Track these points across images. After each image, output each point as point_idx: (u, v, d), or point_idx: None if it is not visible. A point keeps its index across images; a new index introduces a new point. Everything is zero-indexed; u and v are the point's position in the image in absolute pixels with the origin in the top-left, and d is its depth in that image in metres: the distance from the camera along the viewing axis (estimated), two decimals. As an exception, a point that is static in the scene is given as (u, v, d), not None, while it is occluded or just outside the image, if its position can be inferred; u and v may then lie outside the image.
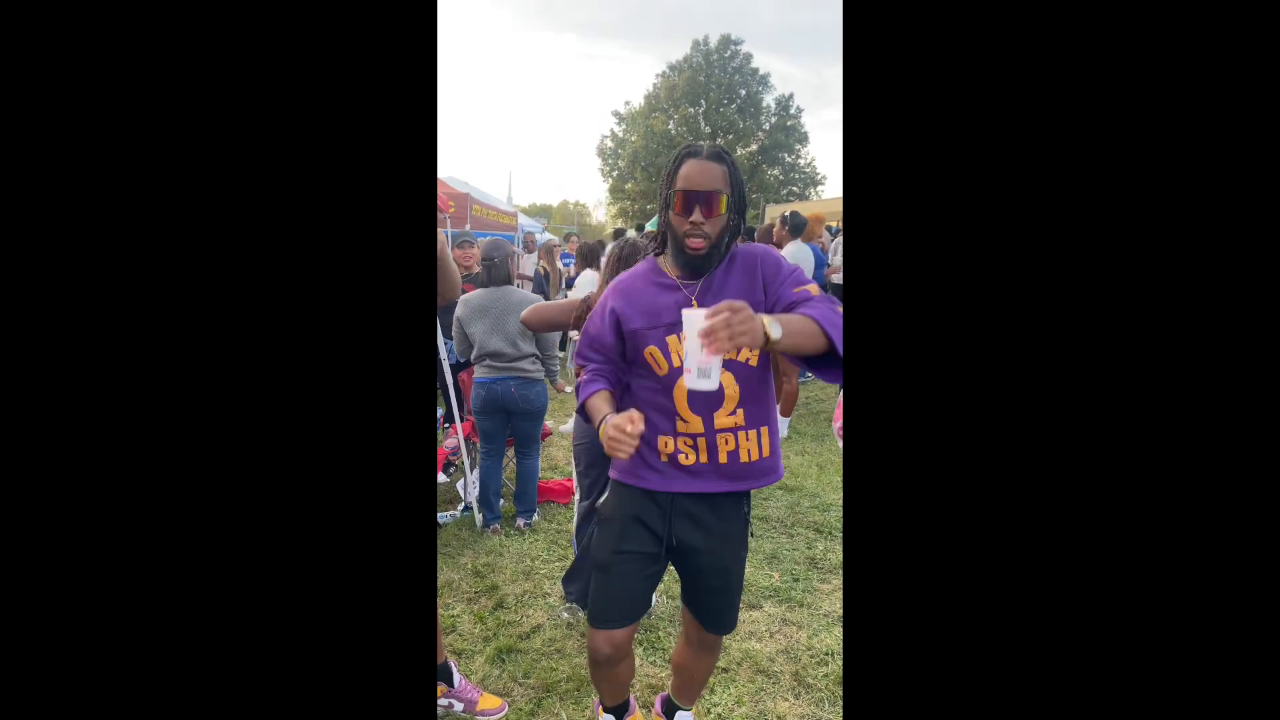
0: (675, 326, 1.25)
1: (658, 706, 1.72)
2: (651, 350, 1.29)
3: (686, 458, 1.31)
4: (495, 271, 2.80)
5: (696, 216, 1.22)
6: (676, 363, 1.27)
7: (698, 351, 1.07)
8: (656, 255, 1.37)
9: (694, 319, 1.06)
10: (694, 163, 1.25)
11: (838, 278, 6.16)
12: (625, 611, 1.37)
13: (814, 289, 1.27)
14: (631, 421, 1.15)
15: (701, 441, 1.29)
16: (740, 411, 1.29)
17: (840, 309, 1.20)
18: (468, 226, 6.74)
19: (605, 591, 1.36)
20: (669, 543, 1.36)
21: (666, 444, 1.31)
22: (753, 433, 1.30)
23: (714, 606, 1.43)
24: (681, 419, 1.29)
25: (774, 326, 1.06)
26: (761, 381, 1.31)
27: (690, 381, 1.11)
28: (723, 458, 1.29)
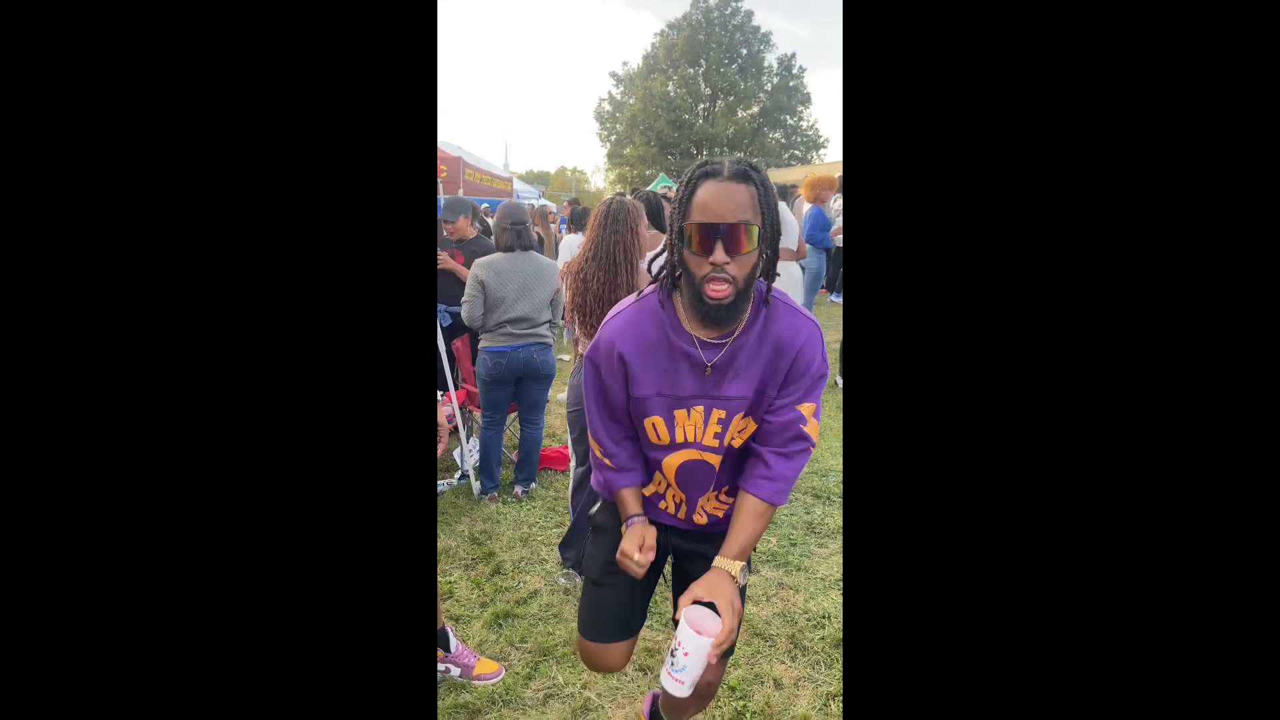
0: (687, 401, 1.09)
1: (645, 707, 1.62)
2: (654, 421, 1.12)
3: (666, 507, 1.24)
4: (524, 236, 2.76)
5: (718, 256, 0.96)
6: (680, 437, 1.12)
7: (698, 667, 1.01)
8: (668, 288, 1.11)
9: (700, 646, 1.00)
10: (713, 185, 0.97)
11: (840, 239, 6.10)
12: (617, 630, 1.28)
13: (808, 411, 1.10)
14: (641, 549, 1.12)
15: (683, 509, 1.23)
16: (724, 488, 1.21)
17: (803, 460, 1.12)
18: (460, 192, 6.62)
19: (597, 607, 1.27)
20: (666, 555, 1.28)
21: (651, 489, 1.25)
22: (730, 498, 1.22)
23: None
24: (668, 484, 1.21)
25: (743, 574, 1.10)
26: (741, 456, 1.17)
27: (670, 685, 1.02)
28: (701, 520, 1.23)
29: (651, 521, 1.23)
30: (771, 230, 1.01)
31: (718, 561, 1.10)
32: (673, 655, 1.04)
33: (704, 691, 1.30)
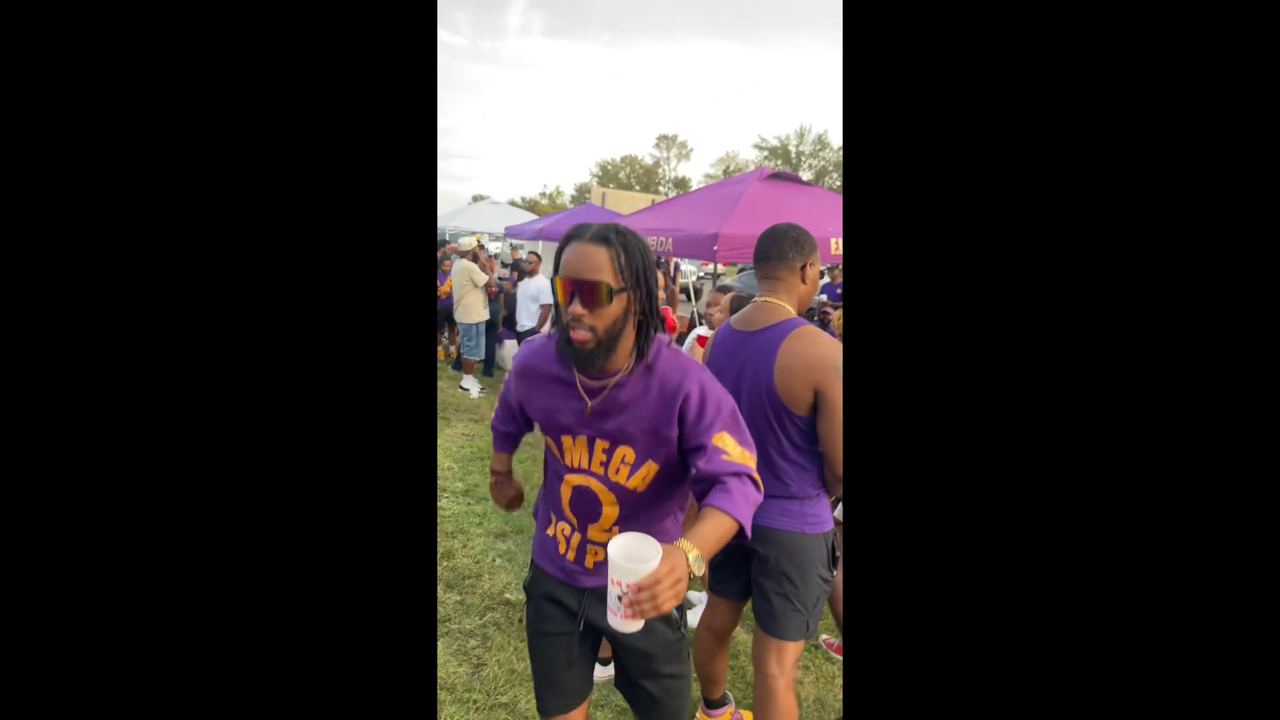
0: (570, 430, 1.19)
1: None
2: (549, 441, 1.25)
3: (560, 548, 1.26)
4: None
5: (575, 308, 1.08)
6: (571, 462, 1.20)
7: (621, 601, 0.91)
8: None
9: (625, 571, 0.89)
10: (575, 246, 1.10)
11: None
12: (560, 698, 1.29)
13: (728, 443, 1.09)
14: (505, 499, 1.41)
15: (575, 540, 1.24)
16: (616, 530, 1.20)
17: (752, 489, 1.06)
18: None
19: (537, 678, 1.31)
20: (583, 623, 1.25)
21: (554, 527, 1.27)
22: None
23: (644, 702, 1.29)
24: (559, 513, 1.25)
25: (698, 564, 0.94)
26: (651, 503, 1.19)
27: (615, 622, 0.92)
28: (589, 564, 1.24)
29: (562, 584, 1.26)
30: (639, 284, 1.09)
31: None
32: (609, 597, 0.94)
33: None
